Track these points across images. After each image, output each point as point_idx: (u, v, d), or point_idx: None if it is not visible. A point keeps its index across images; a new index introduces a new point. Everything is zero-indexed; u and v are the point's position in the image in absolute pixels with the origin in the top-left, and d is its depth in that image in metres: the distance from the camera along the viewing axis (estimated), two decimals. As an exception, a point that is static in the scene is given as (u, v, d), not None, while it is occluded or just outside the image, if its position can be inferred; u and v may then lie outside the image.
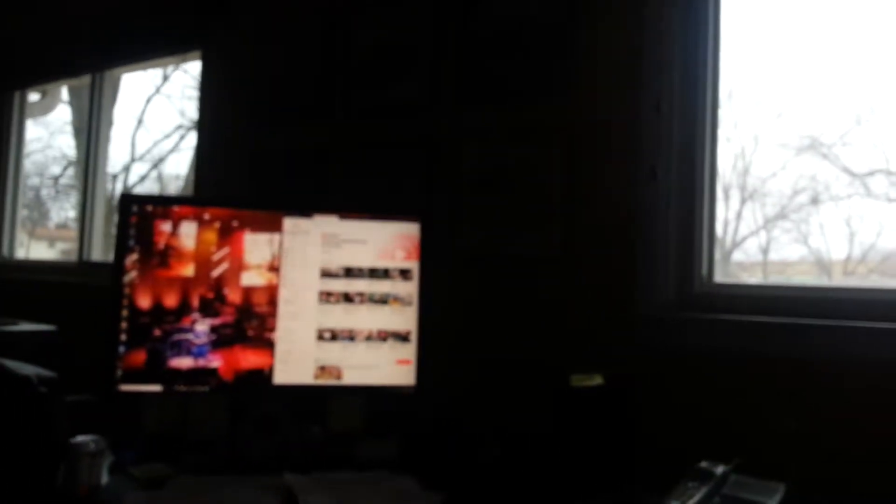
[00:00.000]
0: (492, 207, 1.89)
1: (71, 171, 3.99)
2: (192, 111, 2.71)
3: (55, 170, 4.07)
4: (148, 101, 3.87)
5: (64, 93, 3.83)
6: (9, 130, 3.54)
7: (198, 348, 1.55)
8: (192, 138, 2.64)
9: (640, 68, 1.72)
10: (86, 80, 3.22)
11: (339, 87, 2.20)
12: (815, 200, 1.77)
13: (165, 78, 3.76)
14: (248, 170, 2.36)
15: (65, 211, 4.12)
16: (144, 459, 1.47)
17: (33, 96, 3.67)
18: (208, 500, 1.32)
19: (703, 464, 1.26)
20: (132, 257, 1.55)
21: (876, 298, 1.51)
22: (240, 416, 1.59)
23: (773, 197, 1.86)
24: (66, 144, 3.98)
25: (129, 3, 2.81)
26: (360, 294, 1.64)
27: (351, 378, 1.61)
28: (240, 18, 2.48)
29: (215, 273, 1.57)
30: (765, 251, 1.90)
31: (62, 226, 4.09)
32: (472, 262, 1.91)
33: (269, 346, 1.58)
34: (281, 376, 1.58)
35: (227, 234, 1.59)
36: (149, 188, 3.99)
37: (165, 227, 1.57)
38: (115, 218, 1.58)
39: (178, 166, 3.89)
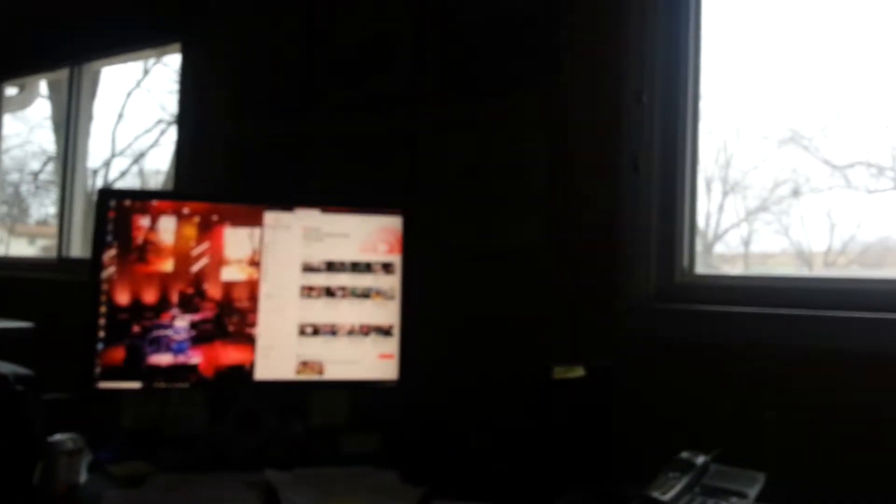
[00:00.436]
0: (474, 200, 1.89)
1: (51, 167, 3.94)
2: (173, 105, 2.67)
3: (34, 165, 4.02)
4: (128, 95, 3.83)
5: (43, 87, 3.78)
6: (-13, 125, 3.49)
7: (177, 344, 1.53)
8: (173, 133, 2.60)
9: (622, 60, 1.72)
10: (64, 73, 3.18)
11: (321, 80, 2.18)
12: (795, 192, 1.78)
13: (146, 71, 3.73)
14: (228, 164, 2.34)
15: (45, 207, 4.07)
16: (123, 457, 1.46)
17: (11, 90, 3.62)
18: (188, 497, 1.31)
19: (684, 454, 1.26)
20: (110, 253, 1.53)
21: (855, 289, 1.52)
22: (220, 413, 1.58)
23: (754, 189, 1.87)
24: (46, 140, 3.93)
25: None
26: (343, 288, 1.63)
27: (333, 373, 1.60)
28: (220, 10, 2.46)
29: (195, 268, 1.56)
30: (746, 243, 1.91)
31: (42, 222, 4.05)
32: (454, 255, 1.90)
33: (249, 341, 1.57)
34: (262, 372, 1.57)
35: (206, 229, 1.57)
36: (129, 184, 3.96)
37: (144, 221, 1.55)
38: (95, 213, 1.56)
39: (160, 162, 3.86)
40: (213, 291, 1.56)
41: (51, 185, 3.92)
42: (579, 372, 1.46)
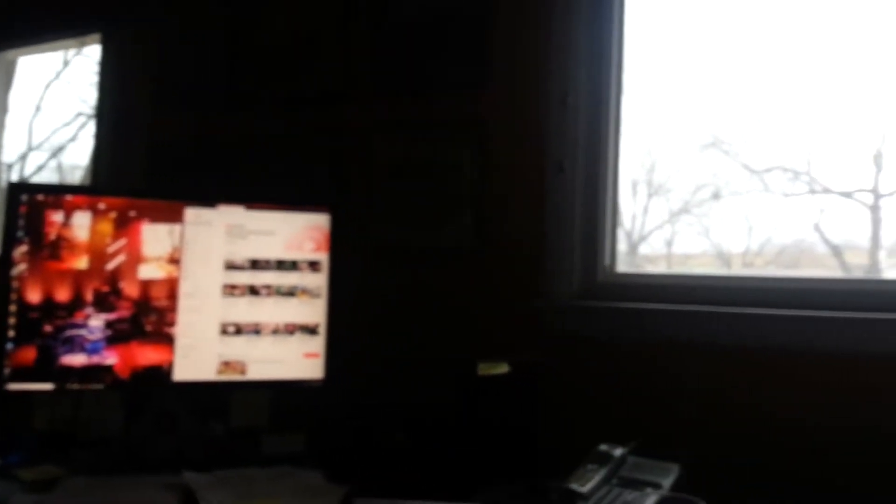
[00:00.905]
0: (403, 199, 1.89)
1: (-36, 161, 3.75)
2: (94, 98, 2.58)
3: (-54, 159, 3.82)
4: (47, 86, 3.68)
5: (-46, 77, 3.59)
6: None
7: (92, 344, 1.48)
8: (93, 127, 2.51)
9: (549, 63, 1.75)
10: (-23, 63, 3.03)
11: (248, 76, 2.15)
12: (716, 196, 1.84)
13: (66, 63, 3.59)
14: (150, 160, 2.28)
15: (-43, 203, 3.86)
16: (34, 461, 1.40)
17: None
18: (101, 501, 1.27)
19: (602, 447, 1.29)
20: (21, 249, 1.47)
21: (771, 287, 1.59)
22: (137, 414, 1.53)
23: (677, 192, 1.93)
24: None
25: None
26: (267, 286, 1.60)
27: (256, 373, 1.58)
28: (142, 2, 2.38)
29: (111, 266, 1.51)
30: (669, 244, 1.96)
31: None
32: (383, 253, 1.90)
33: (168, 341, 1.53)
34: (181, 372, 1.53)
35: (123, 225, 1.52)
36: (47, 179, 3.79)
37: (57, 217, 1.49)
38: (6, 208, 1.50)
39: (79, 157, 3.71)
40: (130, 290, 1.51)
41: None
42: (503, 368, 1.48)
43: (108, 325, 1.49)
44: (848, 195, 1.71)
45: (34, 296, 1.46)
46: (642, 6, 1.82)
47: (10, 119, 3.11)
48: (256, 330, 1.58)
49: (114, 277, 1.51)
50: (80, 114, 3.63)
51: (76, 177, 3.60)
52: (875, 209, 1.70)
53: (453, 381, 1.52)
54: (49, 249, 1.48)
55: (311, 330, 1.62)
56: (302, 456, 1.53)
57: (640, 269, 1.91)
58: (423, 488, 1.35)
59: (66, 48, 3.17)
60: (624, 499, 1.19)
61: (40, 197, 1.49)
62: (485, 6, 1.83)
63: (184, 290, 1.54)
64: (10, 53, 3.03)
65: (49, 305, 1.47)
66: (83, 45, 2.88)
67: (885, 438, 1.38)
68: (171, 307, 1.53)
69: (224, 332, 1.56)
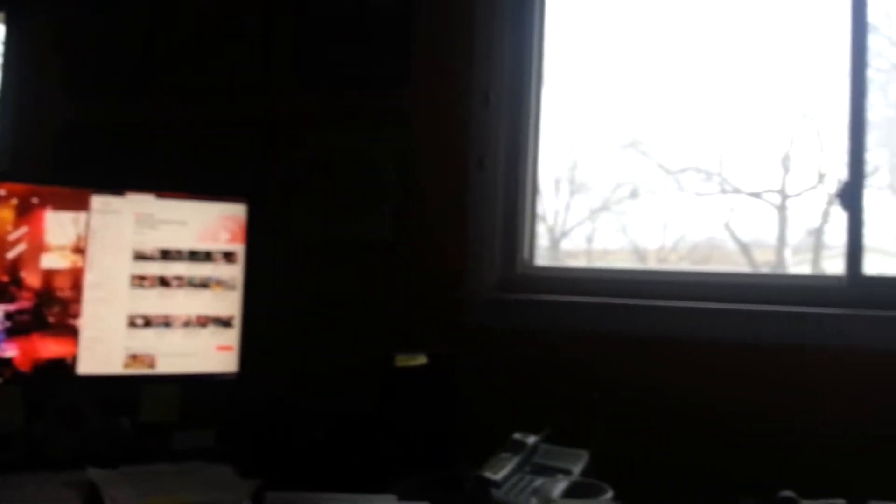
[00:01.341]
0: (325, 192, 1.87)
1: None
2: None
3: None
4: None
5: None
6: None
7: (-11, 337, 1.41)
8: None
9: (472, 60, 1.76)
10: None
11: (163, 62, 2.08)
12: (634, 194, 1.88)
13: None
14: (56, 146, 2.17)
15: None
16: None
17: None
18: (1, 499, 1.20)
19: (516, 435, 1.31)
20: (-90, 237, 1.38)
21: (683, 281, 1.64)
22: (39, 409, 1.47)
23: (597, 190, 1.96)
24: None
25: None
26: (179, 278, 1.55)
27: (165, 366, 1.53)
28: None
29: (11, 254, 1.44)
30: (590, 240, 2.00)
31: None
32: (302, 245, 1.87)
33: (72, 333, 1.47)
34: (86, 366, 1.47)
35: (25, 213, 1.45)
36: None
37: (-48, 204, 1.41)
38: None
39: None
40: (32, 280, 1.45)
41: None
42: (421, 360, 1.48)
43: (8, 316, 1.42)
44: (757, 195, 1.78)
45: (-75, 286, 1.38)
46: (564, 7, 1.86)
47: None
48: (167, 322, 1.54)
49: (14, 267, 1.44)
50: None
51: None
52: (782, 209, 1.77)
53: (371, 374, 1.51)
54: (-58, 237, 1.40)
55: (224, 322, 1.58)
56: (213, 451, 1.49)
57: (561, 263, 1.94)
58: (337, 481, 1.34)
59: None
60: (535, 485, 1.21)
61: (-66, 182, 1.41)
62: (408, 3, 1.83)
63: (89, 280, 1.48)
64: None
65: (-58, 296, 1.39)
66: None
67: (794, 423, 1.44)
68: (76, 298, 1.47)
69: (132, 324, 1.51)
